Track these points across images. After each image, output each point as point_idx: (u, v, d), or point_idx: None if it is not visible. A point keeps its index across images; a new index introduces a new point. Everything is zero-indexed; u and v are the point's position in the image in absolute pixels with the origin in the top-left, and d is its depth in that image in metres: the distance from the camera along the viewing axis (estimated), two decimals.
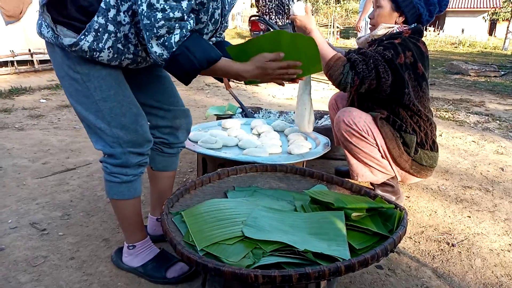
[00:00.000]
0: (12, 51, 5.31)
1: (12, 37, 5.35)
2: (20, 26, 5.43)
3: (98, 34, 1.12)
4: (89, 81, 1.21)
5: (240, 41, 15.02)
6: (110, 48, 1.16)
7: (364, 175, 1.95)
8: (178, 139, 1.55)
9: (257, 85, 5.73)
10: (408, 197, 2.17)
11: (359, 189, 1.47)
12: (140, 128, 1.30)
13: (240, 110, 2.97)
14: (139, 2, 1.05)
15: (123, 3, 1.12)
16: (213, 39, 1.40)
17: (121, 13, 1.13)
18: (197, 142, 2.06)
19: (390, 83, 1.79)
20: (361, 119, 1.85)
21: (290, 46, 1.25)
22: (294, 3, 5.79)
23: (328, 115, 2.76)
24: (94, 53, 1.15)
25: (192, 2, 1.10)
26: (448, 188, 2.32)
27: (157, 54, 1.09)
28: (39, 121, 3.51)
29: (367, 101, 1.95)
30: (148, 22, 1.05)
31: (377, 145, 1.87)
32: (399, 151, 1.88)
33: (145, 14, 1.05)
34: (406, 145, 1.88)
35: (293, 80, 1.34)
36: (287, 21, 5.70)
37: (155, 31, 1.06)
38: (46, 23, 1.17)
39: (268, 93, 5.39)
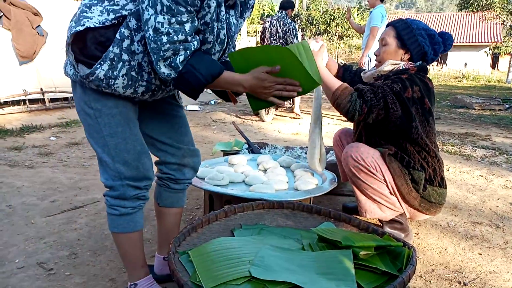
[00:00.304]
0: (25, 90, 5.46)
1: (25, 76, 5.51)
2: (33, 66, 5.60)
3: (113, 63, 1.20)
4: (100, 117, 1.29)
5: None
6: (125, 76, 1.23)
7: (373, 212, 1.94)
8: (184, 175, 1.57)
9: (265, 111, 5.75)
10: (417, 234, 2.14)
11: (366, 226, 1.47)
12: (141, 165, 1.35)
13: (247, 145, 3.00)
14: (146, 28, 1.13)
15: (136, 33, 1.20)
16: (222, 59, 1.46)
17: (135, 43, 1.21)
18: (204, 178, 2.08)
19: (399, 115, 1.81)
20: (369, 155, 1.86)
21: (287, 61, 1.29)
22: (297, 40, 5.94)
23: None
24: (110, 80, 1.22)
25: (196, 24, 1.17)
26: (458, 224, 2.29)
27: (165, 74, 1.18)
28: (49, 158, 3.56)
29: (375, 136, 1.97)
30: (155, 45, 1.13)
31: (385, 181, 1.87)
32: (407, 188, 1.87)
33: (152, 38, 1.12)
34: (415, 182, 1.87)
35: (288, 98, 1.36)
36: None
37: (161, 53, 1.14)
38: (69, 61, 1.27)
39: (274, 128, 5.44)
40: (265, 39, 6.05)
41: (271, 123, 5.79)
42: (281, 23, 5.88)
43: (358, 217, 1.66)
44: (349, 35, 23.79)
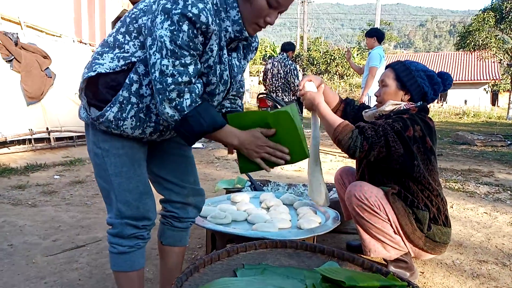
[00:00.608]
0: (31, 129, 5.55)
1: (32, 116, 5.62)
2: (39, 106, 5.72)
3: (122, 105, 1.26)
4: (107, 156, 1.34)
5: None
6: (133, 117, 1.28)
7: (377, 251, 1.92)
8: (188, 214, 1.58)
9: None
10: (423, 273, 2.11)
11: (370, 265, 1.45)
12: (142, 205, 1.37)
13: (249, 183, 3.01)
14: (153, 71, 1.18)
15: (144, 78, 1.26)
16: (228, 106, 1.51)
17: (143, 87, 1.27)
18: (206, 217, 2.08)
19: (401, 153, 1.83)
20: (373, 194, 1.85)
21: (283, 126, 1.35)
22: (298, 81, 6.08)
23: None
24: (119, 121, 1.27)
25: (199, 66, 1.23)
26: (463, 263, 2.25)
27: (169, 115, 1.21)
28: (52, 197, 3.57)
29: (378, 174, 1.97)
30: (161, 86, 1.18)
31: (389, 220, 1.86)
32: (412, 228, 1.86)
33: (158, 80, 1.18)
34: (419, 222, 1.86)
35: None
36: (293, 97, 5.96)
37: (167, 94, 1.18)
38: (83, 105, 1.33)
39: None
40: (267, 80, 6.19)
41: None
42: (283, 64, 6.05)
43: (362, 256, 1.65)
44: (349, 74, 24.27)
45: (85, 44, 7.15)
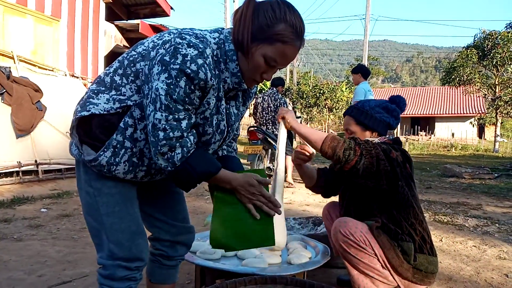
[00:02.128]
0: (19, 162, 5.50)
1: (20, 148, 5.59)
2: (29, 138, 5.70)
3: (116, 150, 1.24)
4: (99, 195, 1.31)
5: (240, 148, 15.49)
6: (126, 162, 1.27)
7: (366, 287, 1.91)
8: (177, 252, 1.56)
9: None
10: None
11: None
12: (135, 247, 1.33)
13: None
14: (147, 122, 1.19)
15: (140, 122, 1.25)
16: (224, 149, 1.52)
17: (138, 131, 1.26)
18: (195, 252, 2.06)
19: (388, 169, 1.83)
20: (357, 229, 1.86)
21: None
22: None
23: None
24: (111, 166, 1.25)
25: (193, 120, 1.22)
26: None
27: (163, 166, 1.21)
28: (38, 231, 3.50)
29: (362, 205, 1.97)
30: (153, 140, 1.18)
31: (376, 255, 1.86)
32: (399, 261, 1.86)
33: (151, 132, 1.18)
34: (405, 253, 1.87)
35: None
36: None
37: (158, 148, 1.18)
38: (74, 142, 1.32)
39: None
40: (258, 113, 6.30)
41: None
42: (272, 98, 6.18)
43: None
44: (338, 107, 24.66)
45: (77, 78, 7.23)
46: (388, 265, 1.87)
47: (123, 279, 1.33)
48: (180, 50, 1.14)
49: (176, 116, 1.16)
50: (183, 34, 1.19)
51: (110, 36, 8.40)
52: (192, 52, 1.14)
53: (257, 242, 1.38)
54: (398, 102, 2.09)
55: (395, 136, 2.06)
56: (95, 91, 1.28)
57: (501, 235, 3.64)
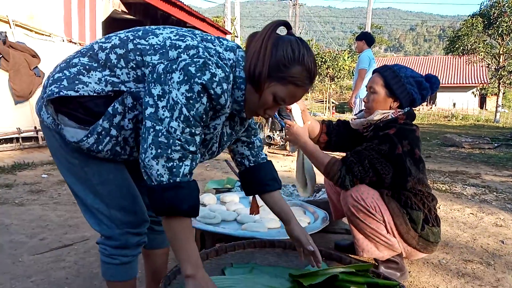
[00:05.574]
0: (19, 128, 5.49)
1: (20, 115, 5.56)
2: (27, 105, 5.67)
3: (100, 137, 1.15)
4: (87, 166, 1.22)
5: None
6: (108, 151, 1.18)
7: (370, 251, 1.93)
8: None
9: None
10: (409, 272, 2.13)
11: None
12: (139, 209, 1.30)
13: (239, 183, 3.01)
14: (158, 122, 1.05)
15: (130, 111, 1.16)
16: (246, 150, 1.48)
17: (126, 120, 1.16)
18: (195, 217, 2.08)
19: (392, 174, 1.85)
20: (369, 195, 1.86)
21: None
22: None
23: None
24: (92, 153, 1.18)
25: (201, 139, 1.16)
26: (449, 262, 2.29)
27: (157, 172, 1.05)
28: (39, 196, 3.53)
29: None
30: (165, 141, 1.05)
31: (384, 221, 1.87)
32: (406, 228, 1.87)
33: (165, 134, 1.05)
34: (413, 222, 1.87)
35: None
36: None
37: (169, 151, 1.05)
38: (47, 111, 1.19)
39: None
40: None
41: None
42: None
43: (349, 255, 1.67)
44: (339, 76, 24.41)
45: (75, 43, 7.09)
46: (395, 231, 1.89)
47: (135, 246, 1.30)
48: (210, 67, 1.07)
49: (193, 131, 1.09)
50: (209, 50, 1.12)
51: (108, 1, 8.19)
52: (220, 74, 1.09)
53: None
54: (433, 82, 1.97)
55: (409, 109, 1.97)
56: (87, 67, 1.15)
57: (498, 203, 3.68)
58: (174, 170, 1.06)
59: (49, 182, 4.08)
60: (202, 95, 1.07)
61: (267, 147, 6.19)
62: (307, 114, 2.09)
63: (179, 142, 1.06)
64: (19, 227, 2.69)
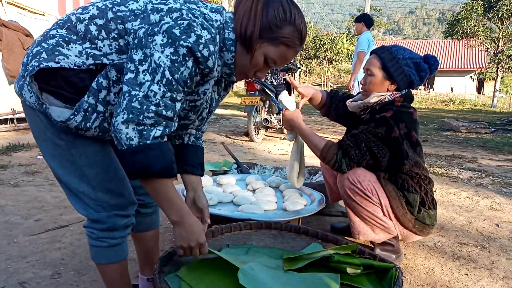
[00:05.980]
0: (13, 109, 5.43)
1: (14, 95, 5.47)
2: None
3: (87, 114, 1.11)
4: (74, 147, 1.18)
5: (237, 100, 15.39)
6: (97, 128, 1.15)
7: (366, 234, 1.93)
8: (151, 198, 1.48)
9: None
10: (405, 255, 2.14)
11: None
12: (126, 191, 1.28)
13: (236, 166, 3.00)
14: (135, 87, 1.02)
15: (115, 85, 1.12)
16: (192, 134, 1.42)
17: (111, 94, 1.13)
18: None
19: (388, 157, 1.84)
20: (366, 178, 1.85)
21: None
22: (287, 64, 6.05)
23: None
24: (80, 131, 1.14)
25: (185, 105, 1.14)
26: (445, 245, 2.30)
27: (127, 136, 1.02)
28: (35, 177, 3.51)
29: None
30: (139, 107, 1.02)
31: (380, 204, 1.87)
32: (402, 210, 1.87)
33: (139, 99, 1.02)
34: (410, 204, 1.87)
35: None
36: (282, 80, 5.93)
37: (140, 118, 1.02)
38: (30, 89, 1.13)
39: (264, 148, 5.46)
40: None
41: (261, 144, 5.81)
42: None
43: (345, 238, 1.67)
44: (338, 59, 24.24)
45: None
46: (391, 214, 1.89)
47: (123, 228, 1.29)
48: (195, 29, 1.03)
49: (174, 96, 1.05)
50: (193, 11, 1.08)
51: None
52: (206, 36, 1.05)
53: None
54: (431, 64, 1.92)
55: (407, 91, 1.94)
56: (66, 39, 1.10)
57: (494, 187, 3.69)
58: (145, 133, 1.03)
59: (44, 163, 4.05)
60: (187, 58, 1.03)
61: (264, 130, 6.15)
62: (309, 87, 2.09)
63: (155, 108, 1.03)
64: (15, 208, 2.67)
